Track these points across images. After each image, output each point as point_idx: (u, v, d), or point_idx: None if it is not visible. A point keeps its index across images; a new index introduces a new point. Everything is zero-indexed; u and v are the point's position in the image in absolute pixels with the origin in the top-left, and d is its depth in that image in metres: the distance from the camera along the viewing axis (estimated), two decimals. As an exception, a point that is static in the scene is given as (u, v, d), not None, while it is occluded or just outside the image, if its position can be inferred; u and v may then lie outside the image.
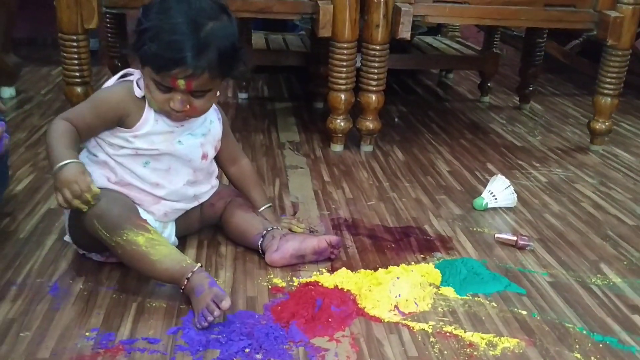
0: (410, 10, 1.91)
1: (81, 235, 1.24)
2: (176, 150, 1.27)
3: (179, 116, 1.24)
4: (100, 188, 1.18)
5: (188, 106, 1.21)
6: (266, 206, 1.45)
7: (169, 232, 1.34)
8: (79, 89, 1.91)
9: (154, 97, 1.21)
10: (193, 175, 1.33)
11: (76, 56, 1.87)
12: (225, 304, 1.07)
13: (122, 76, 1.29)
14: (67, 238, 1.32)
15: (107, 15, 2.39)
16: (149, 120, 1.25)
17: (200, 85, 1.19)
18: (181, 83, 1.18)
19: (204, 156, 1.33)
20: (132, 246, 1.14)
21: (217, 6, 1.21)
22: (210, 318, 1.07)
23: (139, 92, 1.24)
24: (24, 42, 3.46)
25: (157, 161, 1.27)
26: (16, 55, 2.61)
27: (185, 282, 1.13)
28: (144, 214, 1.25)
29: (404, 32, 1.92)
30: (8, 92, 2.51)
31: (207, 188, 1.38)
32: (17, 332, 1.06)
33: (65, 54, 1.87)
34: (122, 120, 1.24)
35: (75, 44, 1.85)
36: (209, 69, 1.18)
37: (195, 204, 1.37)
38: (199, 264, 1.15)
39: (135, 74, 1.27)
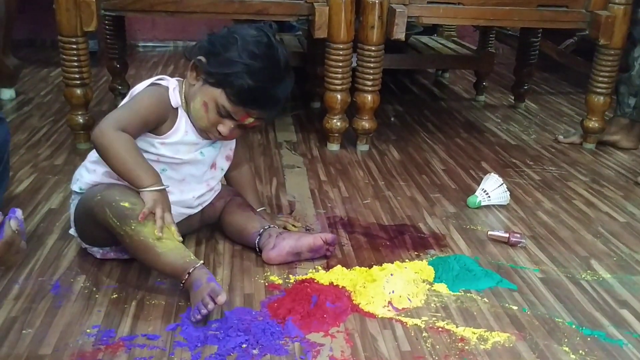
0: (404, 11, 1.94)
1: (86, 226, 1.27)
2: (197, 160, 1.31)
3: (217, 137, 1.29)
4: (112, 182, 1.24)
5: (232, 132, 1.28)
6: (260, 209, 1.48)
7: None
8: (78, 91, 1.93)
9: (208, 117, 1.25)
10: (206, 189, 1.37)
11: (76, 58, 1.89)
12: (221, 298, 1.09)
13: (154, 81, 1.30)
14: (72, 231, 1.34)
15: (106, 17, 2.41)
16: (180, 130, 1.28)
17: (259, 123, 1.29)
18: (250, 120, 1.26)
19: (213, 165, 1.37)
20: (140, 237, 1.16)
21: (288, 57, 1.28)
22: (204, 311, 1.08)
23: (174, 102, 1.27)
24: (24, 43, 3.49)
25: (175, 170, 1.30)
26: (16, 57, 2.63)
27: (186, 277, 1.15)
28: None
29: (399, 33, 1.95)
30: (8, 93, 2.54)
31: (210, 196, 1.41)
32: (19, 329, 1.09)
33: (64, 57, 1.90)
34: (157, 126, 1.26)
35: (74, 46, 1.87)
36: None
37: (199, 209, 1.40)
38: (202, 261, 1.17)
39: (170, 83, 1.29)
